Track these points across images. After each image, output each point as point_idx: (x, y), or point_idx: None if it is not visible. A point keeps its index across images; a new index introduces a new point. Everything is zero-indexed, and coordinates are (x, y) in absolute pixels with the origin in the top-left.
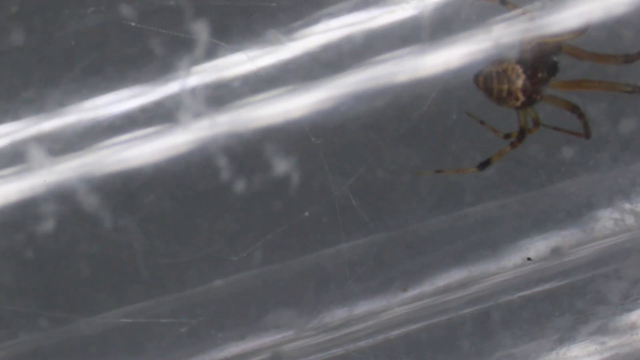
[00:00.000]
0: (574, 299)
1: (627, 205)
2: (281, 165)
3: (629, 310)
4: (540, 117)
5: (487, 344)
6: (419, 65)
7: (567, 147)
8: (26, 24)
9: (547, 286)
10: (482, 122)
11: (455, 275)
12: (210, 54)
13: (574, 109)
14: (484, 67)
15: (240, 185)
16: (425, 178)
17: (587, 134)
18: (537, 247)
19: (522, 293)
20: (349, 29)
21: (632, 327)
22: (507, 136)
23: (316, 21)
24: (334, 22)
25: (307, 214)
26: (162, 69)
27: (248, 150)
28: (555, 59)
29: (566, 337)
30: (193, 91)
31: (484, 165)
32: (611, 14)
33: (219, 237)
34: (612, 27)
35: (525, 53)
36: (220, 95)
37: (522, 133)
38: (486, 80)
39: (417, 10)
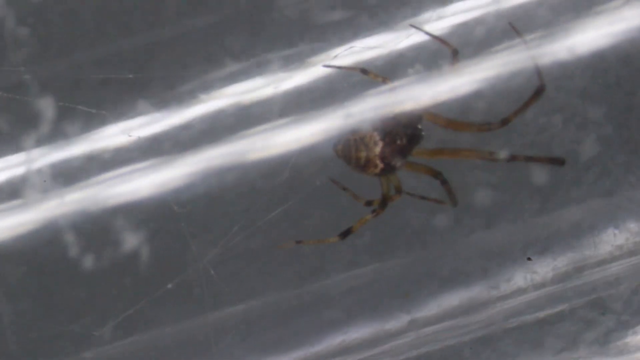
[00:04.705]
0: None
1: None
2: (136, 239)
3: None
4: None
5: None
6: (276, 141)
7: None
8: None
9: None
10: (344, 189)
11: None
12: (60, 129)
13: (437, 175)
14: (343, 136)
15: (90, 262)
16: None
17: (453, 202)
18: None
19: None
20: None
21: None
22: (368, 203)
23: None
24: (205, 95)
25: (169, 286)
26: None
27: (98, 227)
28: (418, 126)
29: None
30: (40, 169)
31: (346, 234)
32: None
33: (77, 312)
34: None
35: (384, 122)
36: (70, 172)
37: (385, 201)
38: (344, 148)
39: (273, 89)
